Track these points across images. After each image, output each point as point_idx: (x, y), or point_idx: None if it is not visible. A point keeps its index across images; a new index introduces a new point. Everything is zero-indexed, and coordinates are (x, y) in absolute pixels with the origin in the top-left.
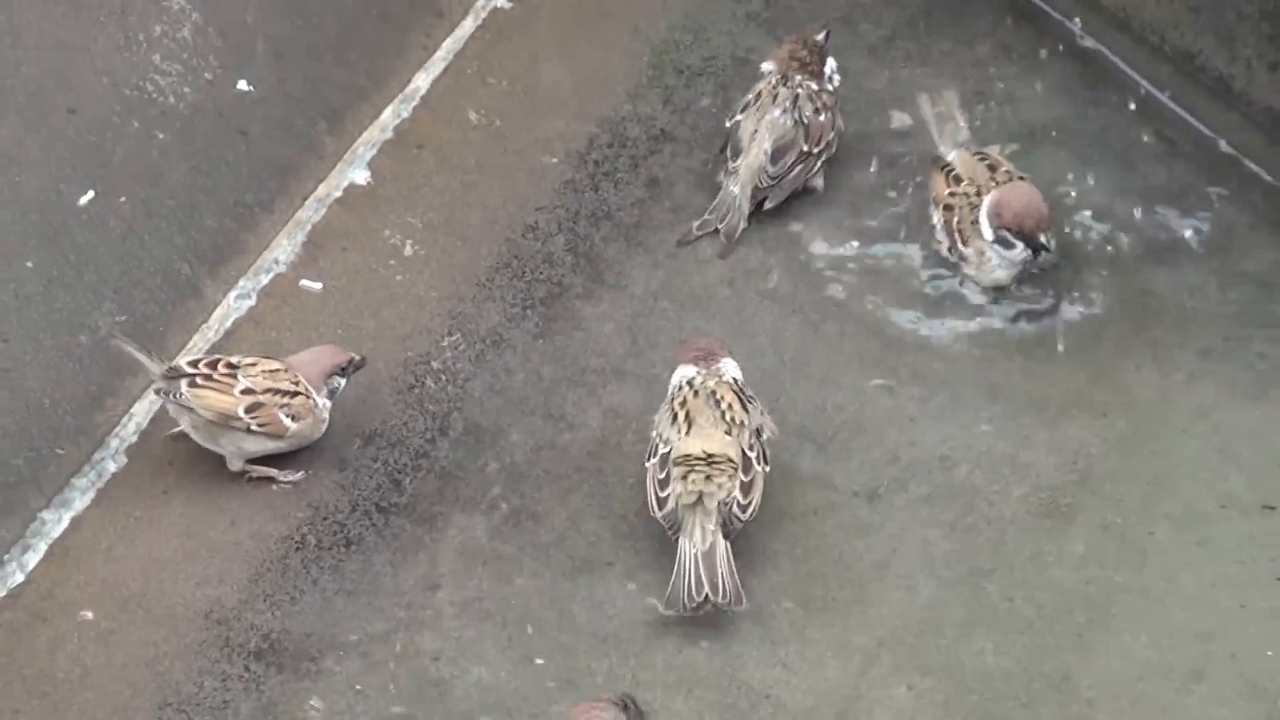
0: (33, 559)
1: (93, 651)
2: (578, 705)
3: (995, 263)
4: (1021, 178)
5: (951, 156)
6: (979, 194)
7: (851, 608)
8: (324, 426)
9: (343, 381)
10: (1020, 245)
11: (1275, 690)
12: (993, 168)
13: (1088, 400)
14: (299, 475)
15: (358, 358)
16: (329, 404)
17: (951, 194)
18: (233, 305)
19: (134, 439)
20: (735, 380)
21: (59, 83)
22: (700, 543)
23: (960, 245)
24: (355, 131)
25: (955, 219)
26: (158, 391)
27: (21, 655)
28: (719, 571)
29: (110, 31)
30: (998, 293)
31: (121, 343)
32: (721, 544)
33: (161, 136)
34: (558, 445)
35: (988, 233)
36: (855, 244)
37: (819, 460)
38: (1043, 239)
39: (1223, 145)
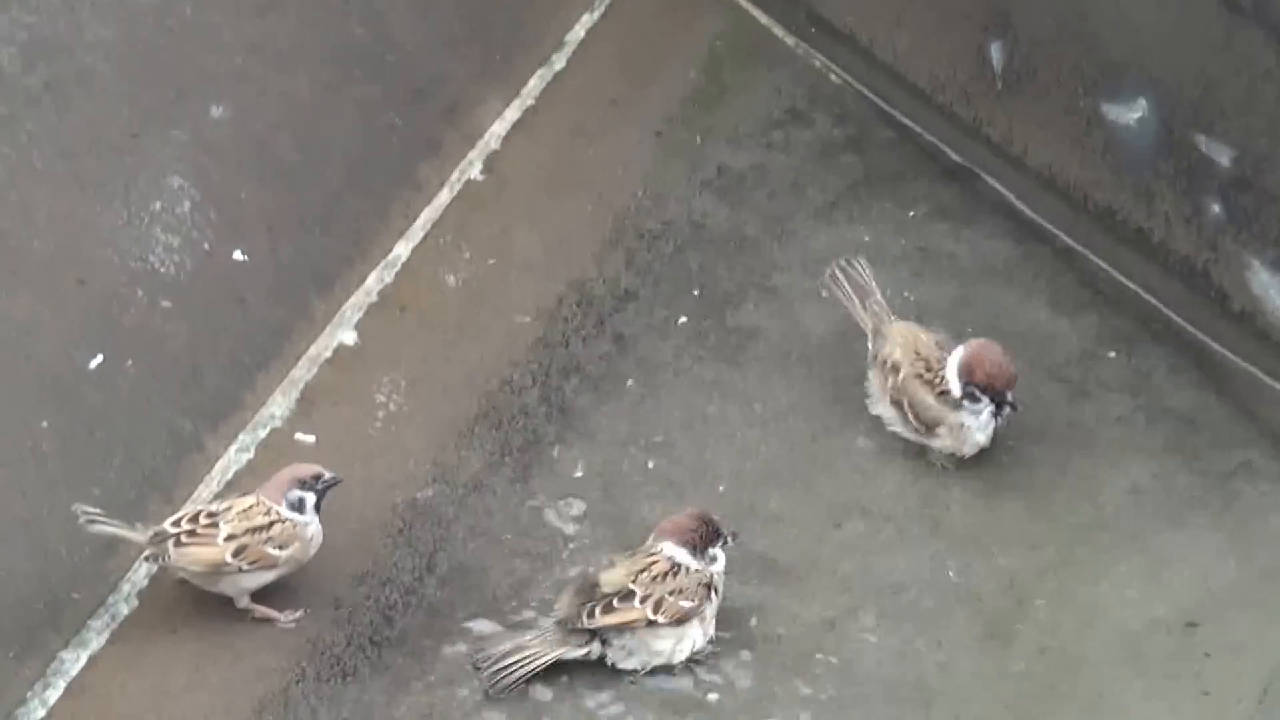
0: (53, 695)
1: None
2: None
3: (973, 428)
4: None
5: (886, 349)
6: (929, 369)
7: None
8: (317, 542)
9: (307, 495)
10: (986, 400)
11: None
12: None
13: (1024, 531)
14: (299, 614)
15: (328, 475)
16: (304, 518)
17: (894, 386)
18: (233, 458)
19: (144, 583)
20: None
21: (69, 256)
22: None
23: (927, 429)
24: (343, 296)
25: (910, 412)
26: (148, 558)
27: None
28: None
29: (115, 208)
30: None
31: (100, 525)
32: None
33: (165, 304)
34: (535, 581)
35: (956, 389)
36: (804, 395)
37: (779, 590)
38: (1010, 397)
39: (1143, 293)
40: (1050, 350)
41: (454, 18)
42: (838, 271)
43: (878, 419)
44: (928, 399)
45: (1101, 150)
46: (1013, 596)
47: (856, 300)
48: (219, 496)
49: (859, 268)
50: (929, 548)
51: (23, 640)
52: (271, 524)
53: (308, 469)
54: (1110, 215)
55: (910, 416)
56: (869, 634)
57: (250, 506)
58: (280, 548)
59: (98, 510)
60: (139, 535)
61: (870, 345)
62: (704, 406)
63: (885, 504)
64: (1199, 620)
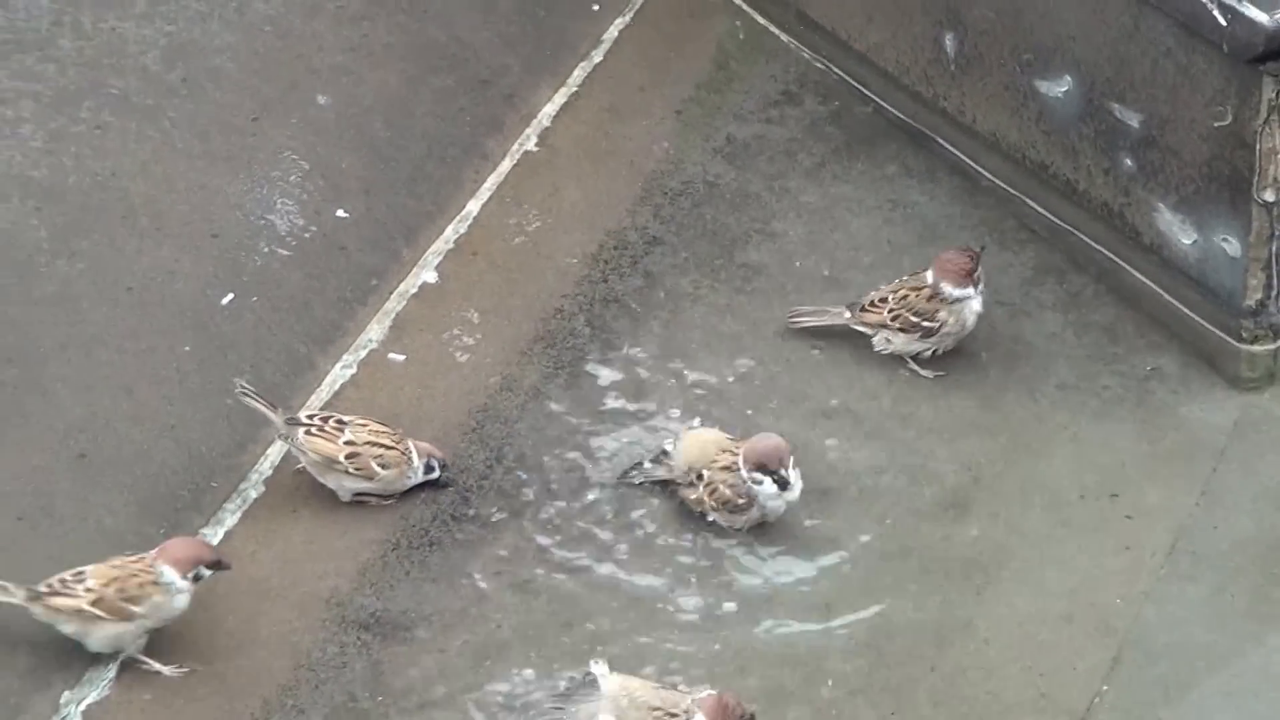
0: None
1: (244, 629)
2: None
3: (969, 312)
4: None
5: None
6: (906, 296)
7: (808, 579)
8: (410, 482)
9: (436, 471)
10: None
11: (1123, 627)
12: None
13: (977, 423)
14: (392, 499)
15: (446, 477)
16: (420, 471)
17: (891, 307)
18: (338, 374)
19: (269, 473)
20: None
21: (204, 215)
22: None
23: (932, 319)
24: (425, 244)
25: (911, 312)
26: (279, 436)
27: (191, 632)
28: None
29: (241, 177)
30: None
31: (250, 399)
32: None
33: (282, 252)
34: (584, 469)
35: (952, 292)
36: (806, 314)
37: None
38: (979, 272)
39: (1072, 231)
40: (997, 279)
41: (512, 21)
42: (798, 319)
43: (864, 339)
44: (923, 304)
45: (1035, 118)
46: (969, 475)
47: (823, 319)
48: (364, 424)
49: (801, 310)
50: (900, 439)
51: (172, 520)
52: (392, 449)
53: (439, 452)
54: (1044, 170)
55: (911, 316)
56: (852, 505)
57: (384, 431)
58: (384, 466)
59: (252, 388)
60: (277, 416)
61: (849, 312)
62: (719, 328)
63: (865, 403)
64: (1120, 491)
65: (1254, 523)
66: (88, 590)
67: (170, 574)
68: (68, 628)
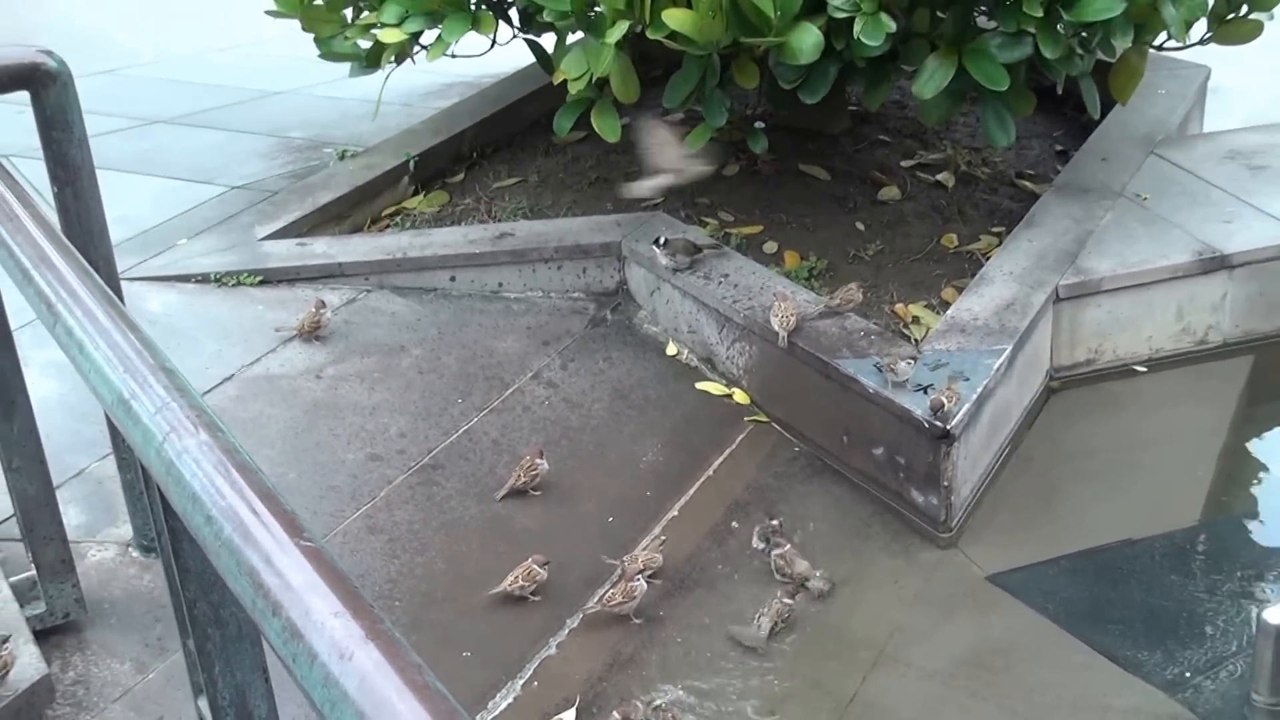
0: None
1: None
2: None
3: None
4: None
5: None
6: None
7: None
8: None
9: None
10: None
11: (880, 638)
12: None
13: (831, 568)
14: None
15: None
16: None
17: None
18: (649, 541)
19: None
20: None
21: None
22: None
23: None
24: (670, 507)
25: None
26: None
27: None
28: None
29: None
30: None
31: (609, 559)
32: None
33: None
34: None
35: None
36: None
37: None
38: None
39: (885, 499)
40: (855, 515)
41: (705, 437)
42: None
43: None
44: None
45: (873, 462)
46: (831, 582)
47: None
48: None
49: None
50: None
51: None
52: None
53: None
54: (878, 479)
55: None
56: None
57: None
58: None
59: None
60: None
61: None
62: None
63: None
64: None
65: (940, 604)
66: None
67: None
68: None
